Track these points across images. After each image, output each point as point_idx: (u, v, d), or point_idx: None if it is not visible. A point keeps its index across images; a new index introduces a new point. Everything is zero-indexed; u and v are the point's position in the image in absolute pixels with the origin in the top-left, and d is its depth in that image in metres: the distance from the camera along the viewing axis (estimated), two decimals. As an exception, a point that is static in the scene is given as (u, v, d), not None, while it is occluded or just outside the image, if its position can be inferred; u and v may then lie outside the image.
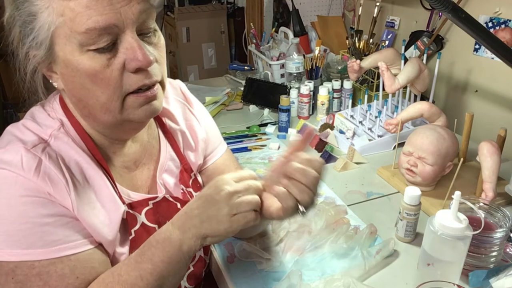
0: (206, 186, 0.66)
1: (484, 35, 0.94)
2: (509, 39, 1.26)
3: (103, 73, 0.60)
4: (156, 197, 0.76)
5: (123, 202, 0.70)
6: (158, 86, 0.67)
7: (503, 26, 1.28)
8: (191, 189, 0.83)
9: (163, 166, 0.80)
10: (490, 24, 1.31)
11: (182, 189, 0.81)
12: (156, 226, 0.74)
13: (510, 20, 1.26)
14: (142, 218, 0.73)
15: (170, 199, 0.78)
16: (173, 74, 3.34)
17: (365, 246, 0.85)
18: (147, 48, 0.63)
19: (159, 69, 0.66)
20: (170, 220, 0.66)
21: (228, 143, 1.00)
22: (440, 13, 1.49)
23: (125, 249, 0.71)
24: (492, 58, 1.32)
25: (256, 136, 1.41)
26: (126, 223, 0.70)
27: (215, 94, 1.74)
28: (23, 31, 0.62)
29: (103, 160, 0.70)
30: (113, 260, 0.70)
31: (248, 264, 0.85)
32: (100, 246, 0.67)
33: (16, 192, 0.59)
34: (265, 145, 1.35)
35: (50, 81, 0.66)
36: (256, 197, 0.64)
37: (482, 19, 1.33)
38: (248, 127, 1.49)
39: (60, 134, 0.67)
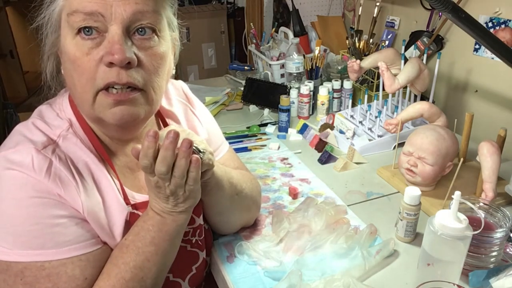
0: None
1: (484, 35, 0.94)
2: (509, 39, 1.26)
3: (81, 60, 0.61)
4: None
5: (129, 203, 0.70)
6: (138, 93, 0.64)
7: (503, 26, 1.28)
8: None
9: None
10: (490, 24, 1.31)
11: None
12: None
13: (510, 20, 1.26)
14: None
15: None
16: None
17: (365, 246, 0.85)
18: (130, 47, 0.61)
19: (143, 76, 0.63)
20: (149, 206, 0.67)
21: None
22: (440, 13, 1.48)
23: None
24: (492, 58, 1.32)
25: (256, 136, 1.41)
26: (130, 224, 0.70)
27: (215, 94, 1.74)
28: (46, 16, 0.65)
29: (109, 161, 0.70)
30: None
31: (248, 264, 0.85)
32: (106, 244, 0.67)
33: (26, 193, 0.59)
34: (265, 145, 1.35)
35: (61, 71, 0.68)
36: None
37: (482, 19, 1.33)
38: (248, 127, 1.49)
39: (69, 134, 0.67)
